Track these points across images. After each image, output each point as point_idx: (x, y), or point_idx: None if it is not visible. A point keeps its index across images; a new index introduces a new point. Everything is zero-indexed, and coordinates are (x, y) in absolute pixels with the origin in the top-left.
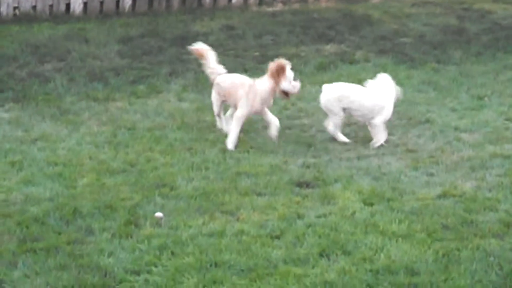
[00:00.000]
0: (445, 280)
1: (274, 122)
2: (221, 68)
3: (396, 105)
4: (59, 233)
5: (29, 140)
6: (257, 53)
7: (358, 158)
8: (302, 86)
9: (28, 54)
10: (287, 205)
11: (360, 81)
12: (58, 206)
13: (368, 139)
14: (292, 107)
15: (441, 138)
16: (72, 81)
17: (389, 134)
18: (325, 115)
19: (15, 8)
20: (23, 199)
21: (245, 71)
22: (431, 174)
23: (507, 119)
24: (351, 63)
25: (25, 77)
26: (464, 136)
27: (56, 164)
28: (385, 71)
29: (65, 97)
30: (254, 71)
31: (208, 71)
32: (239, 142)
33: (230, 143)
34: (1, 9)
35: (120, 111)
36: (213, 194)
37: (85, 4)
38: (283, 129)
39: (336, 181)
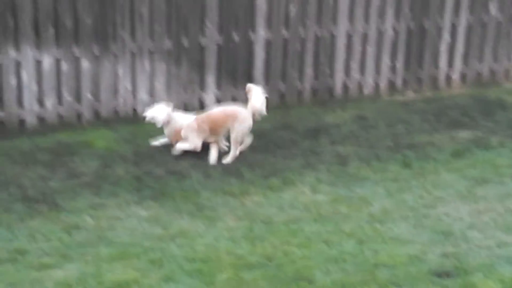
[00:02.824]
0: None
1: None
2: None
3: None
4: None
5: (168, 237)
6: (390, 143)
7: (498, 246)
8: (438, 174)
9: (165, 152)
10: None
11: (496, 167)
12: None
13: (507, 227)
14: (428, 195)
15: None
16: (207, 177)
17: None
18: (461, 202)
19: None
20: None
21: (378, 160)
22: None
23: None
24: (486, 149)
25: (163, 175)
26: None
27: (194, 261)
28: None
29: (201, 193)
30: (388, 160)
31: None
32: (376, 232)
33: None
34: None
35: (256, 205)
36: (351, 286)
37: (218, 99)
38: (419, 217)
39: (476, 270)
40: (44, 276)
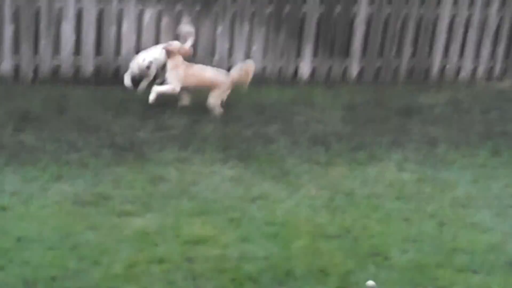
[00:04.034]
0: None
1: None
2: None
3: None
4: None
5: (249, 198)
6: (482, 129)
7: None
8: None
9: (255, 115)
10: (502, 285)
11: None
12: (272, 266)
13: None
14: None
15: None
16: (295, 143)
17: None
18: None
19: None
20: (238, 256)
21: (468, 145)
22: None
23: None
24: None
25: (250, 137)
26: None
27: (273, 224)
28: None
29: (287, 159)
30: (478, 146)
31: None
32: (457, 216)
33: None
34: None
35: (340, 177)
36: (427, 268)
37: (313, 69)
38: (503, 206)
39: None
40: (124, 222)
